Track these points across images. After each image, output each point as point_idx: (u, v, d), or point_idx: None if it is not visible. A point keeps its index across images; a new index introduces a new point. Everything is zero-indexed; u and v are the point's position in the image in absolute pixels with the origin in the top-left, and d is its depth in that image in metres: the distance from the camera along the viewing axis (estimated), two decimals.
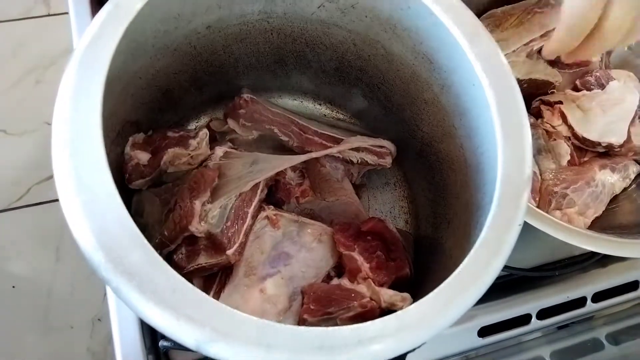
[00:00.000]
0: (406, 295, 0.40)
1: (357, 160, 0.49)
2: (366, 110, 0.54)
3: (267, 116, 0.49)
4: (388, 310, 0.39)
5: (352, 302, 0.39)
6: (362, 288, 0.40)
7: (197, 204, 0.39)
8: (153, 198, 0.42)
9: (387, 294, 0.39)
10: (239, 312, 0.27)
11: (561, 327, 0.56)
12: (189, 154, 0.43)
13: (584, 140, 0.57)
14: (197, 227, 0.38)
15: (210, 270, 0.40)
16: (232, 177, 0.43)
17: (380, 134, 0.52)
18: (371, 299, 0.39)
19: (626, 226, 0.54)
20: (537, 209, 0.45)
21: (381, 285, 0.41)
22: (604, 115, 0.57)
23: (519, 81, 0.55)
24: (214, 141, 0.48)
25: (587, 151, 0.59)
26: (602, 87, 0.59)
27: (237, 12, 0.43)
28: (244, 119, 0.48)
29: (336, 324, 0.39)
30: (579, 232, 0.46)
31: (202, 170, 0.41)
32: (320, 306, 0.39)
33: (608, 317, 0.58)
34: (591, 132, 0.57)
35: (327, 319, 0.39)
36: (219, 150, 0.44)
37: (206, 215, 0.39)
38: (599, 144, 0.56)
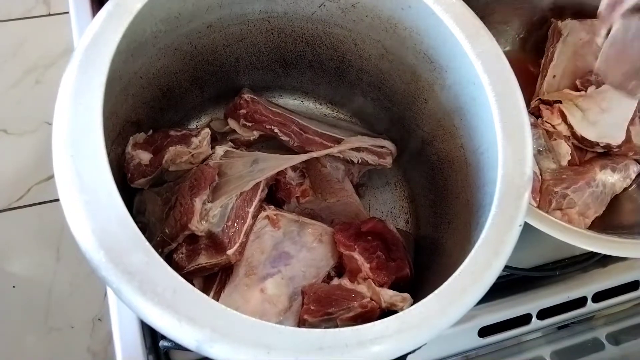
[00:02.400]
0: (406, 295, 0.40)
1: (358, 160, 0.49)
2: (367, 109, 0.54)
3: (268, 116, 0.49)
4: (388, 310, 0.39)
5: (353, 302, 0.39)
6: (362, 288, 0.40)
7: (197, 202, 0.39)
8: (155, 197, 0.42)
9: (387, 295, 0.39)
10: (239, 313, 0.27)
11: (561, 327, 0.56)
12: (190, 153, 0.43)
13: (582, 140, 0.57)
14: (198, 226, 0.38)
15: (210, 270, 0.40)
16: (233, 176, 0.43)
17: (381, 134, 0.52)
18: (371, 299, 0.39)
19: (626, 226, 0.54)
20: (537, 210, 0.45)
21: (381, 285, 0.41)
22: (602, 115, 0.57)
23: None
24: (214, 141, 0.48)
25: (587, 151, 0.59)
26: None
27: (237, 11, 0.43)
28: (244, 119, 0.48)
29: (336, 325, 0.39)
30: (579, 232, 0.46)
31: (201, 168, 0.41)
32: (321, 306, 0.39)
33: (608, 317, 0.58)
34: (590, 132, 0.57)
35: (328, 320, 0.39)
36: (220, 149, 0.44)
37: (207, 214, 0.39)
38: (597, 144, 0.56)
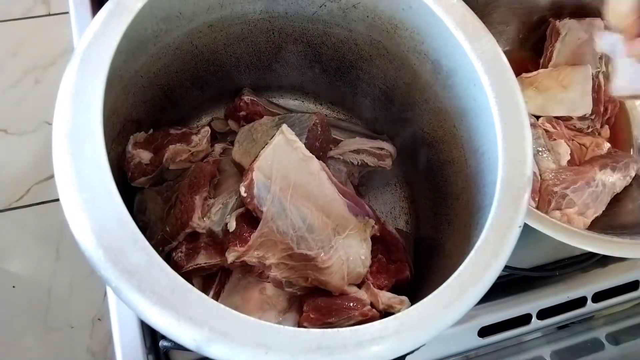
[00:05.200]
0: (404, 298, 0.39)
1: (357, 162, 0.49)
2: (367, 110, 0.54)
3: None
4: (386, 313, 0.39)
5: (353, 311, 0.38)
6: (361, 293, 0.40)
7: (198, 199, 0.39)
8: (155, 196, 0.42)
9: (385, 297, 0.39)
10: (238, 313, 0.27)
11: (561, 327, 0.56)
12: (190, 151, 0.43)
13: (555, 120, 0.58)
14: (199, 223, 0.38)
15: (209, 270, 0.40)
16: (232, 172, 0.43)
17: (382, 134, 0.52)
18: (371, 303, 0.39)
19: (626, 226, 0.54)
20: (536, 210, 0.45)
21: (381, 288, 0.41)
22: (565, 91, 0.59)
23: None
24: (214, 140, 0.48)
25: (587, 149, 0.59)
26: None
27: (238, 11, 0.43)
28: (244, 121, 0.48)
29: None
30: (578, 233, 0.46)
31: (200, 165, 0.41)
32: (321, 315, 0.38)
33: (608, 317, 0.58)
34: (559, 109, 0.59)
35: (328, 328, 0.39)
36: (218, 147, 0.45)
37: (209, 211, 0.39)
38: (571, 117, 0.59)
